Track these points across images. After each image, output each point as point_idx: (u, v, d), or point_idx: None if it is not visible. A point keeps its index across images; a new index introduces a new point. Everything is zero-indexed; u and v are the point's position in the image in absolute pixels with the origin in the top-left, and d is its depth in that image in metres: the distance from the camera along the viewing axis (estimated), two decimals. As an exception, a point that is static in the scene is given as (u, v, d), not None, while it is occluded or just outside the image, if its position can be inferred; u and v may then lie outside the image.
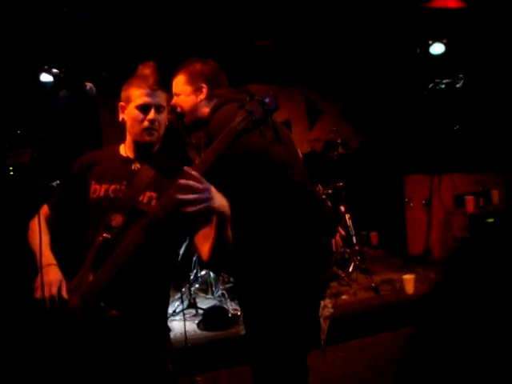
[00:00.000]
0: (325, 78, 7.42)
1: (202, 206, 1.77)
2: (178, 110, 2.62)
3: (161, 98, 2.23)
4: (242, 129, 1.91)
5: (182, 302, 4.95)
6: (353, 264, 5.60)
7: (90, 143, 6.07)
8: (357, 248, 5.69)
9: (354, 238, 5.70)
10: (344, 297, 5.11)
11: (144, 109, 2.20)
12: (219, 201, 1.87)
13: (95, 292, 2.04)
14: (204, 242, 2.11)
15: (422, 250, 6.37)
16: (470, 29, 6.28)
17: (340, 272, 5.45)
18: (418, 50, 6.82)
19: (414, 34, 6.69)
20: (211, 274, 5.20)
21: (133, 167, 2.27)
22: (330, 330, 2.79)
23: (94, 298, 2.05)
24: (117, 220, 2.14)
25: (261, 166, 2.34)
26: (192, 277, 5.23)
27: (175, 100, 2.62)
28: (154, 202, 2.17)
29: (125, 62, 5.86)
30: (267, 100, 1.97)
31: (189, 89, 2.59)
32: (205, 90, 2.57)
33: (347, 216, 5.72)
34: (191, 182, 1.75)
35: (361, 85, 7.55)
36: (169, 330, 2.34)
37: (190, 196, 1.75)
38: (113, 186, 2.23)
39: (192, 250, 5.36)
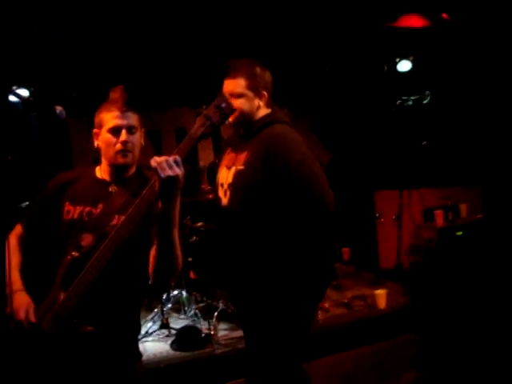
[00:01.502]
0: (294, 96, 7.49)
1: (173, 170, 1.89)
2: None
3: (132, 119, 2.24)
4: (202, 134, 2.00)
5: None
6: (325, 281, 5.62)
7: (61, 163, 6.03)
8: (329, 264, 5.71)
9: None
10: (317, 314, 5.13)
11: (115, 131, 2.20)
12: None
13: (67, 310, 2.04)
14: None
15: (394, 264, 6.43)
16: (435, 46, 6.42)
17: (313, 289, 5.47)
18: (386, 68, 6.92)
19: (381, 52, 6.81)
20: (184, 293, 5.17)
21: (110, 189, 2.27)
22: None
23: (66, 316, 2.04)
24: (87, 239, 2.14)
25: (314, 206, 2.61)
26: (164, 297, 5.19)
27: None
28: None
29: (94, 82, 5.91)
30: (223, 105, 2.04)
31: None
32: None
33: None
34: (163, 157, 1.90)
35: (330, 102, 7.63)
36: (139, 353, 2.35)
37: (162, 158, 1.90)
38: (87, 208, 2.23)
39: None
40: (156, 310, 5.05)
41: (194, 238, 5.30)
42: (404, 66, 6.69)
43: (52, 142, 6.23)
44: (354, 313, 5.15)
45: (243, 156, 2.75)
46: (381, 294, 5.16)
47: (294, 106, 7.62)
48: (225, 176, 2.83)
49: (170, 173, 1.88)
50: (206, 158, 6.49)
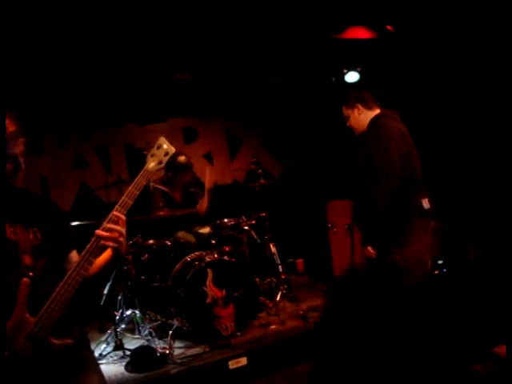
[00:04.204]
0: (244, 109, 7.52)
1: (115, 245, 2.23)
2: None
3: (22, 144, 2.28)
4: (154, 170, 2.41)
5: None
6: (280, 293, 5.61)
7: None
8: (283, 277, 5.72)
9: (279, 267, 5.72)
10: (273, 327, 5.10)
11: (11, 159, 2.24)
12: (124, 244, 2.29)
13: (44, 331, 2.08)
14: None
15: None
16: (381, 57, 6.53)
17: (268, 302, 5.46)
18: (334, 79, 6.99)
19: (329, 64, 6.88)
20: (137, 312, 5.08)
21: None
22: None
23: (44, 338, 2.09)
24: (27, 259, 2.23)
25: None
26: (118, 317, 5.11)
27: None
28: (38, 235, 2.29)
29: (38, 101, 5.79)
30: (165, 146, 2.45)
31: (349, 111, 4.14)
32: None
33: (272, 245, 5.75)
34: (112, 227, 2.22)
35: (280, 114, 7.68)
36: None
37: (110, 236, 2.21)
38: (11, 229, 2.26)
39: (119, 288, 5.27)
40: (109, 332, 4.94)
41: (146, 255, 5.24)
42: (352, 76, 6.76)
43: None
44: (309, 324, 5.14)
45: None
46: (335, 304, 5.17)
47: (244, 120, 7.67)
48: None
49: (121, 240, 2.23)
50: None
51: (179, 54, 5.88)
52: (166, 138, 2.51)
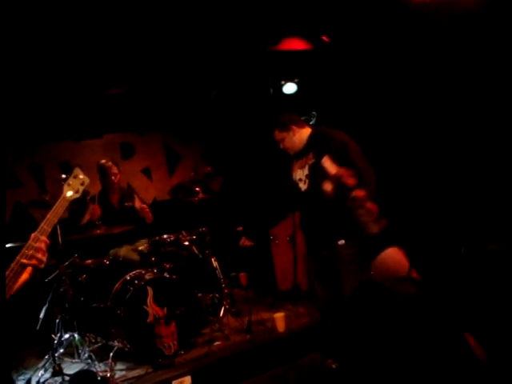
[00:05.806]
0: (182, 123, 7.46)
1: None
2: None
3: None
4: (73, 199, 2.61)
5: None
6: (223, 308, 5.54)
7: None
8: (226, 291, 5.65)
9: (222, 282, 5.66)
10: (217, 343, 5.03)
11: None
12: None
13: None
14: None
15: (291, 285, 6.46)
16: (318, 67, 6.58)
17: (211, 318, 5.39)
18: (272, 91, 7.01)
19: (266, 76, 6.89)
20: (76, 335, 4.92)
21: None
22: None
23: None
24: None
25: None
26: (56, 341, 4.93)
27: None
28: None
29: None
30: (81, 176, 2.70)
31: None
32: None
33: (213, 259, 5.69)
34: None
35: (219, 127, 7.65)
36: None
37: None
38: None
39: (56, 311, 5.11)
40: (47, 357, 4.77)
41: (84, 276, 5.09)
42: (289, 88, 6.81)
43: None
44: (254, 338, 5.09)
45: (310, 156, 4.19)
46: (279, 317, 5.16)
47: (183, 134, 7.60)
48: (301, 173, 4.29)
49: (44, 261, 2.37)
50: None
51: (113, 67, 5.77)
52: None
